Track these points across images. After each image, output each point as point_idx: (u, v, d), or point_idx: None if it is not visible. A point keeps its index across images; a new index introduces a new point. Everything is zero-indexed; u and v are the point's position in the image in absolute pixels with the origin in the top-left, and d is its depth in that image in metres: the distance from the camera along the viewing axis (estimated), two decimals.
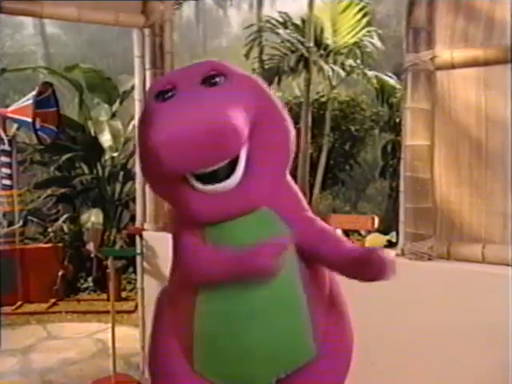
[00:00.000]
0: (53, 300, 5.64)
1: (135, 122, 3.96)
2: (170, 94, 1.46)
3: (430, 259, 2.41)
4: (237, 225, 1.51)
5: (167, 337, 1.66)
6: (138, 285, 3.76)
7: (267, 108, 1.51)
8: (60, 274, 5.77)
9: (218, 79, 1.45)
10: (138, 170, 3.85)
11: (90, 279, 6.08)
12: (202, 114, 1.32)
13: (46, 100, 5.20)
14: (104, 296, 5.72)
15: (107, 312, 4.44)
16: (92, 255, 5.80)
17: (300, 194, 1.68)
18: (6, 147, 5.42)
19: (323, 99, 7.53)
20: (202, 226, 1.53)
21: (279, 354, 1.58)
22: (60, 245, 6.06)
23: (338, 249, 1.52)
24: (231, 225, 1.50)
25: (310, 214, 1.64)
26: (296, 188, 1.68)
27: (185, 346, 1.61)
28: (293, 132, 1.57)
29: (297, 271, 1.55)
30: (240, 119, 1.35)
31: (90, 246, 5.57)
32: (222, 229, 1.51)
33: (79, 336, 4.55)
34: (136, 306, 4.76)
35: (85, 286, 6.07)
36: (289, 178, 1.65)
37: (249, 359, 1.56)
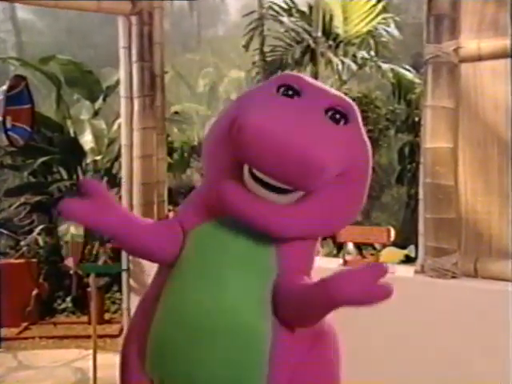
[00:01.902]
0: (25, 324, 5.63)
1: (121, 121, 3.97)
2: (291, 92, 1.59)
3: (453, 277, 2.40)
4: (235, 236, 1.58)
5: (131, 336, 1.79)
6: (124, 305, 3.75)
7: (358, 168, 1.62)
8: (34, 293, 5.76)
9: (338, 117, 1.58)
10: (124, 175, 3.86)
11: (68, 299, 6.06)
12: (312, 137, 1.44)
13: (18, 96, 5.19)
14: (84, 318, 5.71)
15: (88, 337, 4.43)
16: (71, 272, 5.80)
17: (313, 260, 1.72)
18: None
19: None
20: (204, 220, 1.63)
21: None
22: (34, 260, 6.05)
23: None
24: (231, 233, 1.59)
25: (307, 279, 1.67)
26: (314, 254, 1.73)
27: (142, 342, 1.70)
28: (362, 201, 1.66)
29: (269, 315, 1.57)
30: (335, 165, 1.47)
31: (69, 262, 5.57)
32: (218, 231, 1.61)
33: (55, 365, 4.53)
34: (121, 330, 4.74)
35: (62, 307, 6.06)
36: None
37: (191, 377, 1.60)
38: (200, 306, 1.57)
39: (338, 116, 1.58)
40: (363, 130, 1.67)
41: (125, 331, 1.85)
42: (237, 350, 1.57)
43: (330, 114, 1.57)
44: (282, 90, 1.60)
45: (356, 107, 1.66)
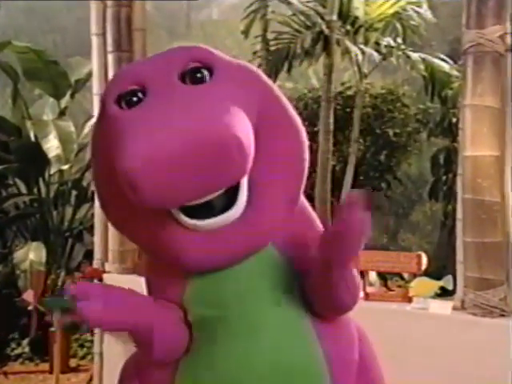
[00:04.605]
0: None
1: (93, 122, 3.99)
2: (135, 97, 1.47)
3: (502, 315, 2.40)
4: (231, 276, 1.54)
5: None
6: (95, 349, 3.75)
7: (272, 109, 1.54)
8: None
9: (202, 73, 1.48)
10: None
11: (24, 342, 6.03)
12: (192, 123, 1.32)
13: None
14: (45, 366, 5.68)
15: None
16: (30, 308, 5.77)
17: (315, 220, 1.72)
18: None
19: (350, 92, 7.55)
20: (185, 278, 1.57)
21: None
22: None
23: None
24: (224, 277, 1.53)
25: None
26: (310, 211, 1.73)
27: None
28: (306, 138, 1.60)
29: (307, 326, 1.59)
30: (245, 130, 1.36)
31: (28, 296, 5.54)
32: (211, 284, 1.55)
33: None
34: (91, 379, 4.73)
35: (17, 352, 6.02)
36: (302, 197, 1.68)
37: None
38: (244, 368, 1.54)
39: (197, 74, 1.48)
40: (241, 65, 1.57)
41: None
42: None
43: (187, 78, 1.47)
44: (123, 103, 1.49)
45: (207, 49, 1.54)
